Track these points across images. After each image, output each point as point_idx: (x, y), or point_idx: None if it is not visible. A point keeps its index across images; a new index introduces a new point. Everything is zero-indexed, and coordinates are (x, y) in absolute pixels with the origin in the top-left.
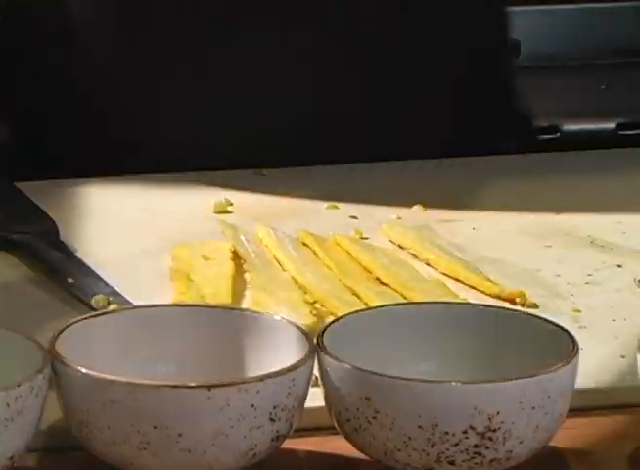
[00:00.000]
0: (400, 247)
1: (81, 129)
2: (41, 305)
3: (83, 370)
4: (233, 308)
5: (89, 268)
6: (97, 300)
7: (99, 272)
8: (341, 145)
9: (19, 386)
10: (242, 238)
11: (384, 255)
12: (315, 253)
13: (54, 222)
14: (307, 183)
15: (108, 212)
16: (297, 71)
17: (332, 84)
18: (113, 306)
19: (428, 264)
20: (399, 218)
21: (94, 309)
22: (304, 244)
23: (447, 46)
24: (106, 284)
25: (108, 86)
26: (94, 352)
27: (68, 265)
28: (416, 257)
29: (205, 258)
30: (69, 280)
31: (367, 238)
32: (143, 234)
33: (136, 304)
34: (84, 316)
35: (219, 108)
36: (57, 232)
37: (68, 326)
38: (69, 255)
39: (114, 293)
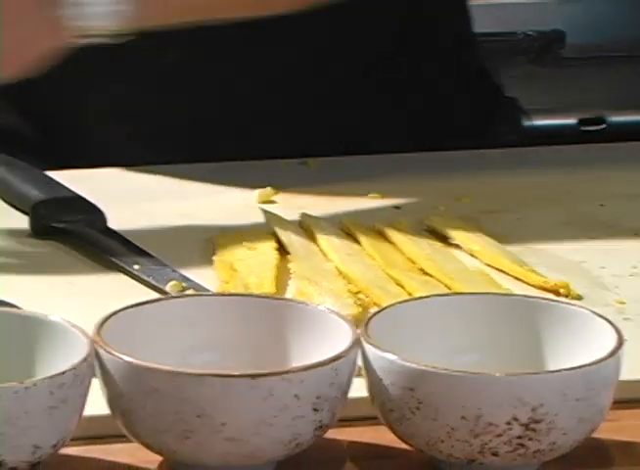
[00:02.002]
0: (444, 237)
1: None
2: (108, 292)
3: (127, 358)
4: (277, 298)
5: (151, 255)
6: (173, 285)
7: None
8: (384, 134)
9: (63, 373)
10: (286, 228)
11: (428, 245)
12: (359, 243)
13: (101, 211)
14: (352, 173)
15: (151, 201)
16: (342, 59)
17: (374, 74)
18: (188, 292)
19: (472, 255)
20: (444, 209)
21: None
22: (348, 234)
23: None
24: (173, 270)
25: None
26: (138, 341)
27: (131, 253)
28: (460, 247)
29: (250, 248)
30: (135, 267)
31: (411, 228)
32: (187, 223)
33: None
34: (129, 305)
35: (265, 96)
36: (105, 220)
37: (112, 314)
38: (127, 242)
39: (186, 278)
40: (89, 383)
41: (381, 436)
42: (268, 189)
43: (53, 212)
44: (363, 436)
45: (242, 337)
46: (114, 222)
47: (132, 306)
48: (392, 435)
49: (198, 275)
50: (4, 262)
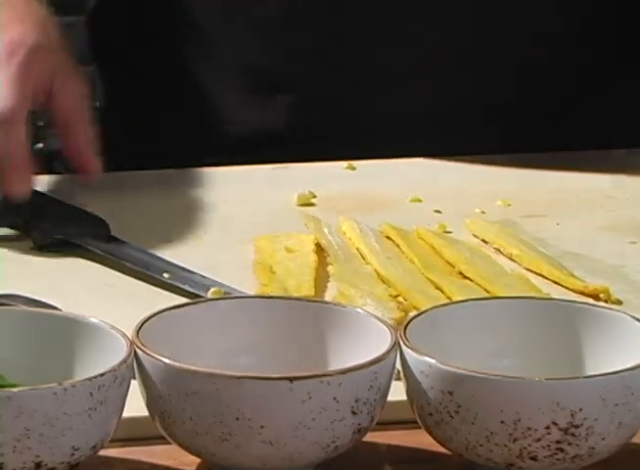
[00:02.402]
0: (484, 241)
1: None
2: (137, 300)
3: (166, 360)
4: (317, 301)
5: (175, 263)
6: (214, 292)
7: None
8: (424, 139)
9: (102, 375)
10: (325, 231)
11: (467, 249)
12: (398, 246)
13: (105, 222)
14: (391, 176)
15: (191, 206)
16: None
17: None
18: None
19: (511, 259)
20: (483, 213)
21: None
22: (387, 237)
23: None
24: (202, 276)
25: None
26: (177, 343)
27: (157, 262)
28: (499, 251)
29: (289, 251)
30: (165, 275)
31: (450, 232)
32: (226, 226)
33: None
34: (168, 307)
35: (312, 99)
36: (109, 230)
37: (151, 317)
38: (144, 251)
39: (221, 285)
40: (128, 385)
41: (419, 439)
42: (307, 192)
43: (57, 227)
44: (402, 439)
45: (281, 340)
46: (149, 227)
47: (171, 309)
48: (431, 438)
49: (236, 278)
50: (32, 270)
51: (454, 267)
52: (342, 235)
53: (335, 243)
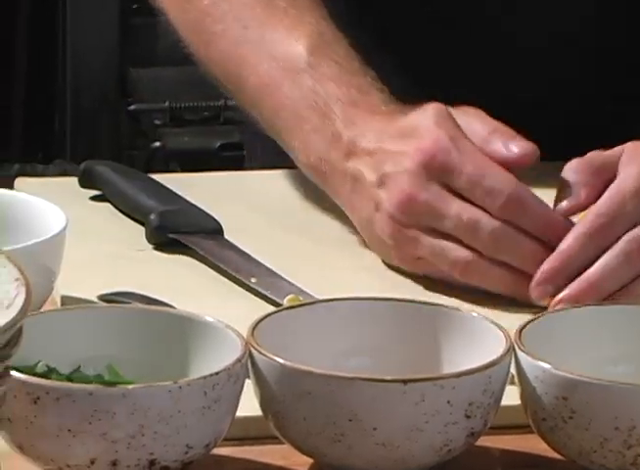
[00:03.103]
0: None
1: None
2: (225, 304)
3: (281, 360)
4: (431, 304)
5: (267, 267)
6: (290, 299)
7: (293, 266)
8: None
9: (217, 374)
10: None
11: None
12: None
13: (217, 221)
14: None
15: (304, 206)
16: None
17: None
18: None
19: None
20: None
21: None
22: None
23: None
24: (290, 283)
25: None
26: (290, 343)
27: (248, 265)
28: None
29: None
30: (253, 280)
31: None
32: (340, 228)
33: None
34: (282, 307)
35: None
36: (222, 231)
37: (266, 316)
38: (244, 254)
39: (302, 292)
40: (242, 384)
41: (532, 445)
42: None
43: (170, 224)
44: (515, 444)
45: (395, 342)
46: (245, 229)
47: (286, 309)
48: (544, 444)
49: (344, 280)
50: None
51: None
52: None
53: None
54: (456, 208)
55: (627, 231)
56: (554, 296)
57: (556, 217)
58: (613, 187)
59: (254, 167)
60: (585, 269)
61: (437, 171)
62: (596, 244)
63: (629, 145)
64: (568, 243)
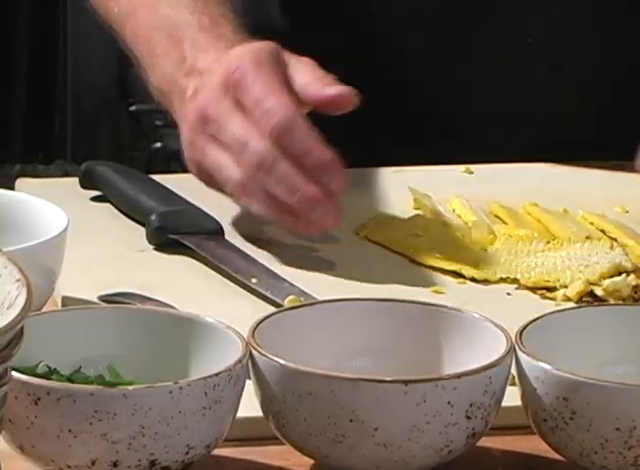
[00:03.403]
0: (602, 231)
1: None
2: (225, 304)
3: (281, 361)
4: (432, 304)
5: (268, 268)
6: (291, 300)
7: (294, 267)
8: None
9: (217, 375)
10: (439, 208)
11: (574, 223)
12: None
13: (218, 222)
14: (508, 181)
15: None
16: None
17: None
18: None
19: (623, 249)
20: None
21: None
22: (496, 216)
23: None
24: (290, 284)
25: None
26: (291, 344)
27: (248, 266)
28: (614, 240)
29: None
30: (253, 281)
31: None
32: (342, 228)
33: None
34: (283, 308)
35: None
36: (222, 232)
37: (266, 317)
38: (244, 254)
39: (303, 293)
40: (243, 385)
41: (533, 445)
42: (424, 194)
43: (170, 224)
44: (516, 445)
45: (396, 342)
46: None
47: (286, 310)
48: (545, 445)
49: (346, 280)
50: (142, 268)
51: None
52: (452, 212)
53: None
54: (236, 122)
55: None
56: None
57: (319, 148)
58: None
59: None
60: None
61: (232, 89)
62: None
63: None
64: None
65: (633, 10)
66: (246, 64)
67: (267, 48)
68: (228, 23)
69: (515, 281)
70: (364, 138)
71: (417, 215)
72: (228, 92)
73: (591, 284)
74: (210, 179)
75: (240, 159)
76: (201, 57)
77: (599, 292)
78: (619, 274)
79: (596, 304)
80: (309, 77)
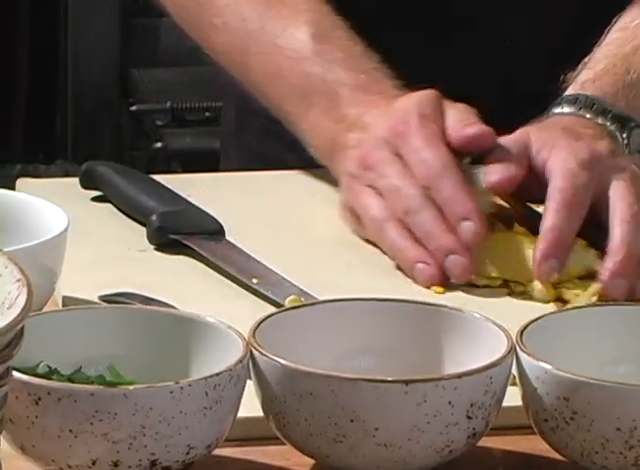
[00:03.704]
0: None
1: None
2: (226, 304)
3: (282, 361)
4: (433, 304)
5: (269, 268)
6: (291, 300)
7: (295, 267)
8: None
9: (218, 375)
10: None
11: None
12: None
13: (219, 222)
14: None
15: (306, 207)
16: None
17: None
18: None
19: None
20: None
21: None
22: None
23: None
24: (291, 284)
25: None
26: (292, 344)
27: (249, 266)
28: None
29: None
30: (254, 281)
31: None
32: (343, 228)
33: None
34: (284, 308)
35: None
36: (223, 232)
37: (267, 317)
38: (245, 255)
39: (304, 293)
40: (244, 385)
41: (534, 445)
42: None
43: (171, 224)
44: (516, 445)
45: (397, 342)
46: (265, 228)
47: (287, 310)
48: (546, 445)
49: (349, 279)
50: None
51: None
52: None
53: None
54: (393, 171)
55: (590, 197)
56: (559, 271)
57: (463, 200)
58: (554, 167)
59: (230, 169)
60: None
61: (394, 140)
62: (575, 214)
63: (532, 131)
64: (550, 220)
65: None
66: (410, 116)
67: (430, 99)
68: (384, 77)
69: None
70: None
71: None
72: (389, 143)
73: (558, 284)
74: (358, 222)
75: (388, 202)
76: (363, 113)
77: (566, 295)
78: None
79: (597, 304)
80: (452, 122)
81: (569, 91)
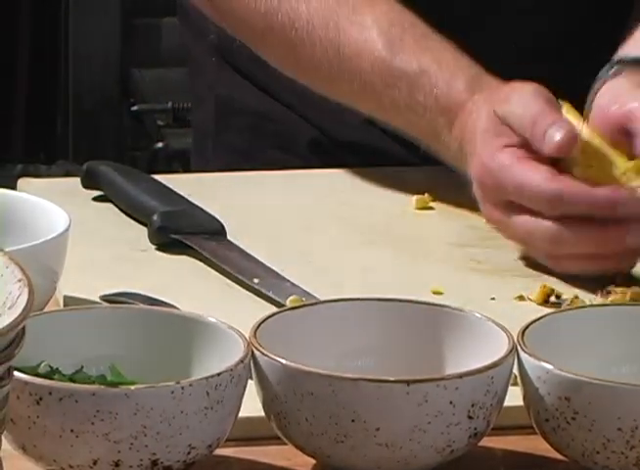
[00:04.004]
0: None
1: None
2: (227, 304)
3: (283, 361)
4: (434, 304)
5: (270, 268)
6: (293, 300)
7: (296, 267)
8: None
9: (219, 375)
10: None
11: None
12: None
13: (220, 222)
14: None
15: (307, 207)
16: None
17: None
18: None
19: None
20: None
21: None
22: None
23: None
24: (292, 284)
25: None
26: (293, 344)
27: (250, 266)
28: None
29: None
30: (255, 281)
31: None
32: (343, 229)
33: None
34: (285, 308)
35: None
36: (224, 232)
37: (268, 317)
38: (246, 255)
39: (305, 293)
40: (245, 385)
41: (535, 445)
42: (426, 195)
43: (172, 224)
44: (518, 445)
45: (398, 342)
46: (267, 229)
47: (288, 310)
48: (547, 445)
49: (351, 281)
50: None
51: None
52: None
53: None
54: (513, 222)
55: None
56: None
57: (601, 193)
58: None
59: (207, 170)
60: None
61: (491, 192)
62: None
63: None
64: None
65: None
66: (486, 166)
67: (490, 116)
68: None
69: None
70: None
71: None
72: (489, 196)
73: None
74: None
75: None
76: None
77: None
78: None
79: (598, 304)
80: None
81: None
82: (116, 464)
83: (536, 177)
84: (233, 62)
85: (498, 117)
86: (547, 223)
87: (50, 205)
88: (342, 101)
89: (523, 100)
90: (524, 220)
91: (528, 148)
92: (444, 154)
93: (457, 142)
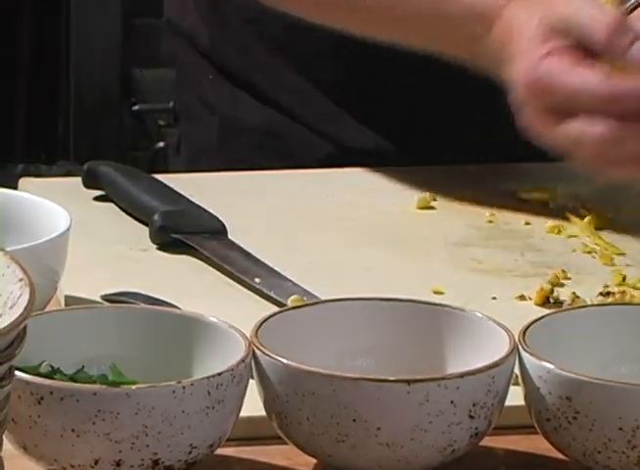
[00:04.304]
0: None
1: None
2: (228, 304)
3: (284, 360)
4: (435, 304)
5: (271, 268)
6: (294, 300)
7: (297, 267)
8: None
9: (220, 374)
10: None
11: None
12: None
13: (221, 222)
14: (506, 179)
15: (309, 207)
16: None
17: None
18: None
19: None
20: None
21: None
22: None
23: None
24: (294, 283)
25: None
26: (294, 343)
27: (251, 266)
28: None
29: None
30: (256, 280)
31: None
32: (344, 228)
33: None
34: (286, 308)
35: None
36: (226, 231)
37: (270, 317)
38: (247, 254)
39: (306, 292)
40: (246, 384)
41: (536, 445)
42: (427, 195)
43: (173, 224)
44: (519, 444)
45: (399, 342)
46: (269, 229)
47: (289, 310)
48: (548, 444)
49: (354, 281)
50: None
51: None
52: None
53: None
54: (562, 127)
55: None
56: None
57: None
58: None
59: (180, 171)
60: None
61: (538, 98)
62: None
63: None
64: None
65: None
66: (531, 71)
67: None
68: None
69: None
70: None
71: None
72: (536, 100)
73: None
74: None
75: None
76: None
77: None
78: None
79: (599, 303)
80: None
81: None
82: (118, 464)
83: (592, 80)
84: (229, 71)
85: (551, 20)
86: (601, 125)
87: (51, 204)
88: (361, 23)
89: (587, 5)
90: (574, 125)
91: (576, 53)
92: (479, 62)
93: (496, 48)
